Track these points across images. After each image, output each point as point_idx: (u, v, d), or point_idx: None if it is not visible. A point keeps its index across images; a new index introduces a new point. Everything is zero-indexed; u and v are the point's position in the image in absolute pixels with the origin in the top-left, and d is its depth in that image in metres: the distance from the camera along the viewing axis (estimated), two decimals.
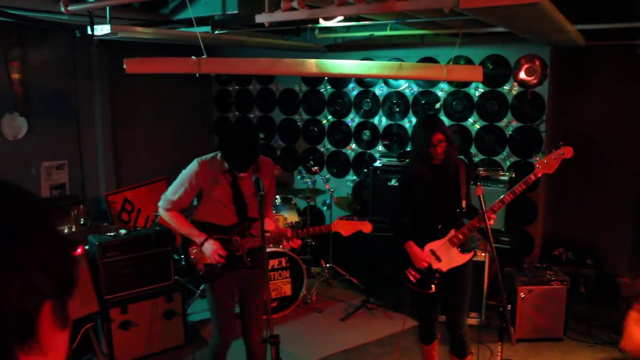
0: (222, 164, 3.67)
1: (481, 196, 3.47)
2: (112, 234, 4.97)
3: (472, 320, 5.37)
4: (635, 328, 1.42)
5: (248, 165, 3.61)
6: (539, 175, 3.71)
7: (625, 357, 1.59)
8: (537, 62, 6.01)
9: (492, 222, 3.67)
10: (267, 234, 3.70)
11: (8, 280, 0.68)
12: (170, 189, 3.76)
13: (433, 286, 3.90)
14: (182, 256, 3.87)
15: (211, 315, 3.90)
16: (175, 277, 5.12)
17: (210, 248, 3.67)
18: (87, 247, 4.85)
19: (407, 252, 3.93)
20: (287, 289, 5.79)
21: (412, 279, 3.95)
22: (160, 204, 3.79)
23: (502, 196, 3.76)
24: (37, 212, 0.76)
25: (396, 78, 6.59)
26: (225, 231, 3.75)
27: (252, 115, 8.04)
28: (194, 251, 3.75)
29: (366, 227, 3.89)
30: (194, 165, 3.72)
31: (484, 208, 3.50)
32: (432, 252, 3.88)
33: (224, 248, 3.70)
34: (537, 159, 3.77)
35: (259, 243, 3.66)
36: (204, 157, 3.75)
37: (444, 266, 3.88)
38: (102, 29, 4.11)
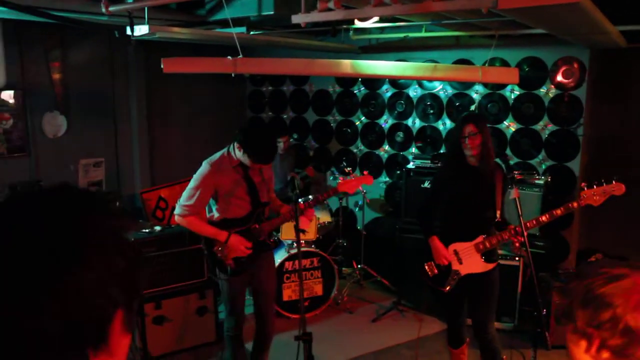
0: (231, 160, 3.79)
1: (517, 199, 3.43)
2: (147, 230, 5.05)
3: (505, 325, 5.31)
4: (573, 348, 1.31)
5: (272, 158, 3.78)
6: (583, 205, 3.62)
7: None
8: (575, 65, 5.90)
9: (522, 239, 3.57)
10: (283, 214, 3.86)
11: (89, 292, 0.71)
12: (185, 195, 3.85)
13: (448, 286, 3.87)
14: (209, 256, 3.98)
15: (225, 302, 4.09)
16: (209, 275, 5.17)
17: (235, 242, 3.81)
18: None
19: (430, 247, 3.91)
20: (318, 289, 5.81)
21: (429, 273, 3.94)
22: (176, 212, 3.88)
23: (539, 216, 3.69)
24: (116, 225, 0.79)
25: (431, 79, 6.56)
26: (242, 222, 3.89)
27: (285, 116, 8.08)
28: (219, 249, 3.84)
29: (367, 180, 4.08)
30: (205, 168, 3.82)
31: (519, 210, 3.45)
32: (456, 252, 3.85)
33: (247, 239, 3.84)
34: (585, 187, 3.64)
35: (277, 223, 4.00)
36: (212, 158, 3.87)
37: (463, 270, 3.85)
38: (140, 30, 4.18)
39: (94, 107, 6.31)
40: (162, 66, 4.01)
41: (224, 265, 3.90)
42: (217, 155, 3.89)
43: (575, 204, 3.59)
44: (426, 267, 3.97)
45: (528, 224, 3.64)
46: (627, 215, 6.14)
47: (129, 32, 4.17)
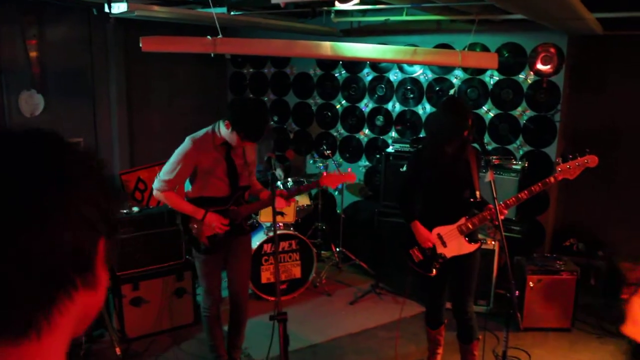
0: (215, 138, 3.80)
1: (492, 181, 3.47)
2: (125, 211, 5.02)
3: (481, 308, 5.38)
4: None
5: (262, 135, 3.75)
6: (559, 179, 3.69)
7: (632, 345, 1.58)
8: (554, 51, 5.95)
9: (503, 216, 3.66)
10: (263, 199, 3.89)
11: (68, 215, 0.72)
12: (165, 169, 3.83)
13: (434, 270, 3.91)
14: (184, 233, 4.00)
15: (201, 280, 4.11)
16: (187, 256, 5.17)
17: (212, 220, 3.81)
18: None
19: (412, 232, 3.94)
20: (296, 272, 5.83)
21: (415, 259, 3.97)
22: (155, 185, 3.86)
23: (518, 193, 3.74)
24: (89, 158, 0.81)
25: (411, 63, 6.57)
26: (220, 202, 3.90)
27: (266, 99, 8.05)
28: (195, 227, 3.87)
29: (351, 177, 4.06)
30: (187, 144, 3.80)
31: (494, 192, 3.49)
32: (439, 236, 3.89)
33: (224, 217, 3.85)
34: (560, 161, 3.73)
35: (255, 207, 4.01)
36: (195, 135, 3.85)
37: (448, 252, 3.89)
38: (118, 7, 4.13)
39: (72, 86, 6.22)
40: (140, 45, 3.98)
41: (198, 243, 3.92)
42: (201, 132, 3.87)
43: (552, 179, 3.66)
44: (411, 253, 4.00)
45: (508, 201, 3.70)
46: (600, 201, 6.25)
47: (107, 9, 4.12)
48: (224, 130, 3.77)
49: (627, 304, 1.46)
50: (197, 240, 3.92)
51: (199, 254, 3.97)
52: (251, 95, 8.16)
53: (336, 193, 7.19)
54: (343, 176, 4.05)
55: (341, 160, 7.43)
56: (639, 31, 5.52)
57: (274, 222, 3.31)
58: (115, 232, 0.83)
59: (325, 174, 4.01)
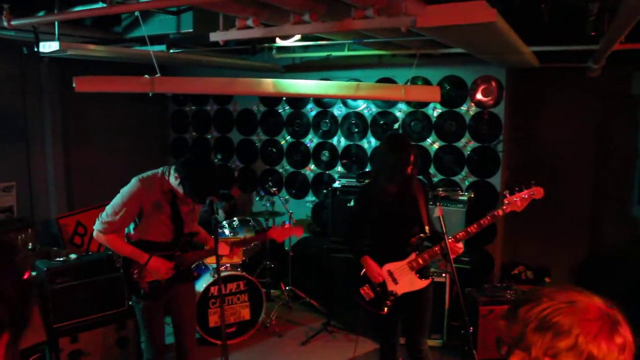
0: (163, 183, 3.66)
1: (441, 217, 3.43)
2: (61, 259, 4.76)
3: (434, 342, 5.32)
4: None
5: (208, 196, 3.61)
6: (507, 211, 3.70)
7: None
8: (493, 83, 6.08)
9: (459, 252, 3.63)
10: (206, 248, 3.78)
11: None
12: (108, 211, 3.65)
13: (386, 308, 3.82)
14: (125, 277, 3.81)
15: (143, 329, 3.91)
16: (129, 303, 4.92)
17: (156, 265, 3.66)
18: (34, 273, 4.62)
19: (362, 269, 3.85)
20: (245, 313, 5.64)
21: (366, 297, 3.88)
22: (96, 227, 3.68)
23: (467, 227, 3.72)
24: (6, 249, 0.77)
25: (354, 98, 6.59)
26: (165, 247, 3.74)
27: (209, 136, 7.92)
28: (136, 271, 3.69)
29: (298, 231, 4.05)
30: (135, 185, 3.64)
31: (444, 228, 3.46)
32: (390, 272, 3.81)
33: (168, 262, 3.72)
34: (507, 194, 3.74)
35: (201, 256, 4.00)
36: (144, 175, 3.71)
37: (399, 289, 3.81)
38: (49, 46, 3.97)
39: (3, 128, 5.94)
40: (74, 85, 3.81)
41: (139, 289, 3.73)
42: (149, 173, 3.71)
43: (500, 212, 3.66)
44: (361, 292, 3.90)
45: (458, 235, 3.67)
46: (545, 228, 6.34)
47: (36, 48, 3.95)
48: (172, 179, 3.65)
49: None
50: (137, 285, 3.73)
51: (138, 301, 3.77)
52: (194, 134, 8.01)
53: None
54: (290, 229, 4.02)
55: (287, 196, 7.33)
56: (572, 64, 5.69)
57: (218, 267, 3.17)
58: (25, 323, 0.76)
59: (273, 226, 3.95)
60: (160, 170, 3.73)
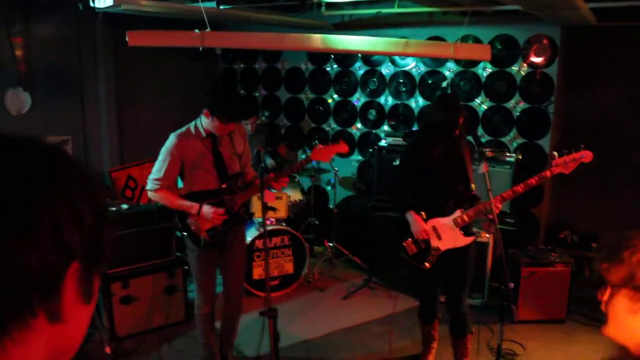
0: (199, 132, 3.75)
1: (486, 173, 3.42)
2: (114, 208, 4.95)
3: (475, 301, 5.34)
4: (627, 316, 1.42)
5: (242, 113, 3.72)
6: (555, 173, 3.66)
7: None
8: (547, 42, 5.91)
9: (498, 210, 3.63)
10: (255, 185, 3.83)
11: (40, 229, 0.64)
12: (154, 169, 3.79)
13: (428, 263, 3.86)
14: (184, 232, 3.91)
15: (195, 279, 4.04)
16: (177, 254, 5.11)
17: (208, 212, 3.74)
18: None
19: (407, 224, 3.89)
20: (289, 267, 5.78)
21: (409, 251, 3.92)
22: (148, 187, 3.82)
23: (514, 186, 3.71)
24: (87, 175, 0.73)
25: (403, 55, 6.52)
26: (213, 195, 3.83)
27: (257, 94, 7.99)
28: (193, 222, 3.79)
29: (343, 147, 3.95)
30: (172, 140, 3.75)
31: (488, 184, 3.44)
32: (434, 228, 3.84)
33: (219, 208, 3.79)
34: (556, 155, 3.70)
35: (250, 193, 3.91)
36: (179, 130, 3.80)
37: (443, 245, 3.84)
38: (104, 1, 4.06)
39: (60, 84, 6.14)
40: (127, 39, 3.91)
41: (199, 239, 3.84)
42: (184, 127, 3.82)
43: (548, 173, 3.63)
44: (405, 246, 3.95)
45: (504, 194, 3.66)
46: (594, 193, 6.21)
47: (92, 3, 4.05)
48: (205, 120, 3.72)
49: (609, 304, 1.45)
50: (197, 236, 3.85)
51: (195, 250, 3.90)
52: (242, 92, 8.09)
53: (329, 188, 7.13)
54: (334, 147, 3.94)
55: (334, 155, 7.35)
56: (633, 22, 5.47)
57: (264, 216, 3.25)
58: (100, 258, 0.73)
59: (316, 149, 3.91)
60: (193, 122, 3.82)
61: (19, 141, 0.69)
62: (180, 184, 3.91)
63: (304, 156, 7.18)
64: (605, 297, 1.47)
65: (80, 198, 0.69)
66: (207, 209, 3.74)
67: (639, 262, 1.38)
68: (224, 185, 3.84)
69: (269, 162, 6.21)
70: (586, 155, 3.65)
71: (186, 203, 3.78)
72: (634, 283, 1.38)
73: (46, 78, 5.93)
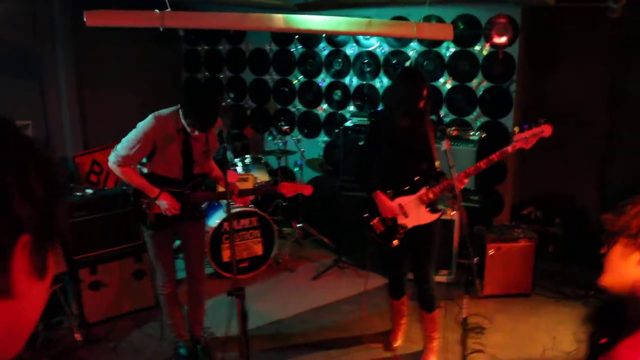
0: (178, 121, 3.70)
1: (448, 150, 3.45)
2: (79, 194, 4.88)
3: (443, 277, 5.44)
4: (620, 262, 1.56)
5: (210, 126, 3.67)
6: (517, 148, 3.71)
7: (602, 298, 1.77)
8: (508, 22, 5.97)
9: (462, 185, 3.68)
10: (219, 190, 3.83)
11: None
12: (124, 143, 3.72)
13: (395, 241, 3.91)
14: (134, 205, 3.92)
15: (153, 258, 4.06)
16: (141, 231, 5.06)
17: (164, 203, 3.75)
18: None
19: (373, 203, 3.93)
20: (258, 249, 5.79)
21: (376, 230, 3.97)
22: (111, 158, 3.76)
23: (477, 163, 3.76)
24: (28, 141, 0.71)
25: (366, 35, 6.52)
26: (175, 184, 3.82)
27: (222, 76, 7.91)
28: (145, 201, 3.80)
29: (307, 190, 4.09)
30: (150, 121, 3.69)
31: (451, 162, 3.49)
32: (400, 206, 3.88)
33: (176, 201, 3.78)
34: (517, 131, 3.75)
35: (210, 197, 3.85)
36: (160, 112, 3.74)
37: (409, 222, 3.89)
38: None
39: (17, 67, 5.97)
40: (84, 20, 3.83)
41: (145, 217, 3.84)
42: (167, 111, 3.75)
43: (509, 148, 3.67)
44: (372, 225, 3.99)
45: (468, 170, 3.71)
46: (555, 170, 6.35)
47: None
48: (182, 115, 3.68)
49: (607, 255, 1.61)
50: (144, 213, 3.84)
51: (146, 230, 3.91)
52: (206, 73, 8.00)
53: (296, 169, 7.13)
54: (299, 187, 4.07)
55: (300, 135, 7.37)
56: (591, 3, 5.56)
57: (228, 198, 3.25)
58: (52, 233, 0.72)
59: (283, 183, 4.01)
60: (176, 107, 3.75)
61: None
62: (144, 160, 3.87)
63: (270, 138, 7.19)
64: (605, 249, 1.63)
65: (30, 171, 0.68)
66: (163, 200, 3.74)
67: (637, 213, 1.56)
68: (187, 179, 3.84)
69: (229, 154, 6.19)
70: (546, 130, 3.70)
71: (148, 185, 3.76)
72: (630, 232, 1.55)
73: (2, 61, 5.76)
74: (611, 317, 1.67)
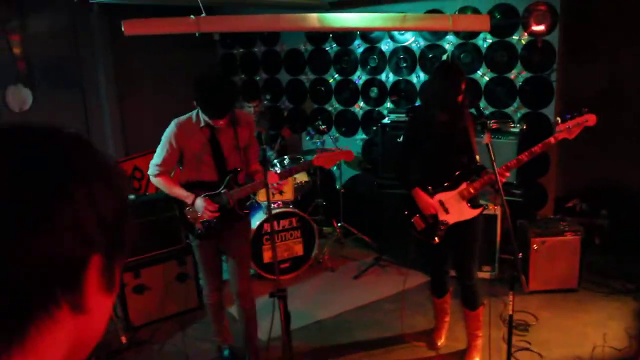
0: (199, 120, 3.68)
1: (490, 143, 3.38)
2: None
3: (486, 274, 5.35)
4: None
5: (224, 110, 3.56)
6: (559, 139, 3.61)
7: None
8: (547, 10, 5.82)
9: (504, 179, 3.59)
10: (254, 183, 3.76)
11: (62, 223, 0.64)
12: (155, 154, 3.77)
13: (437, 238, 3.86)
14: (181, 218, 3.90)
15: (199, 265, 4.06)
16: (187, 240, 5.12)
17: (200, 205, 3.70)
18: None
19: (413, 200, 3.88)
20: (298, 249, 5.79)
21: (417, 227, 3.92)
22: (149, 172, 3.81)
23: (518, 155, 3.68)
24: (102, 161, 0.72)
25: (401, 30, 6.45)
26: (211, 187, 3.78)
27: (258, 78, 7.96)
28: (190, 211, 3.78)
29: (348, 155, 3.89)
30: (171, 127, 3.71)
31: (492, 155, 3.42)
32: (441, 202, 3.83)
33: (214, 203, 3.74)
34: (559, 121, 3.65)
35: (248, 190, 3.82)
36: (180, 117, 3.75)
37: (450, 219, 3.83)
38: None
39: (60, 79, 6.12)
40: (123, 29, 3.89)
41: (194, 228, 3.84)
42: (186, 115, 3.76)
43: (552, 139, 3.58)
44: (413, 222, 3.94)
45: (509, 163, 3.64)
46: (601, 160, 6.16)
47: None
48: (200, 111, 3.67)
49: None
50: (192, 225, 3.83)
51: (193, 240, 3.91)
52: (243, 76, 8.06)
53: (334, 168, 7.11)
54: (338, 154, 3.91)
55: (337, 134, 7.35)
56: None
57: (268, 199, 3.23)
58: (121, 250, 0.73)
59: (318, 152, 3.88)
60: (195, 110, 3.73)
61: (38, 132, 0.69)
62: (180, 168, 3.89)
63: (307, 138, 7.19)
64: None
65: (101, 189, 0.69)
66: (199, 202, 3.70)
67: None
68: (222, 178, 3.79)
69: (269, 153, 6.18)
70: (590, 119, 3.60)
71: (183, 192, 3.74)
72: None
73: (45, 73, 5.91)
74: None
